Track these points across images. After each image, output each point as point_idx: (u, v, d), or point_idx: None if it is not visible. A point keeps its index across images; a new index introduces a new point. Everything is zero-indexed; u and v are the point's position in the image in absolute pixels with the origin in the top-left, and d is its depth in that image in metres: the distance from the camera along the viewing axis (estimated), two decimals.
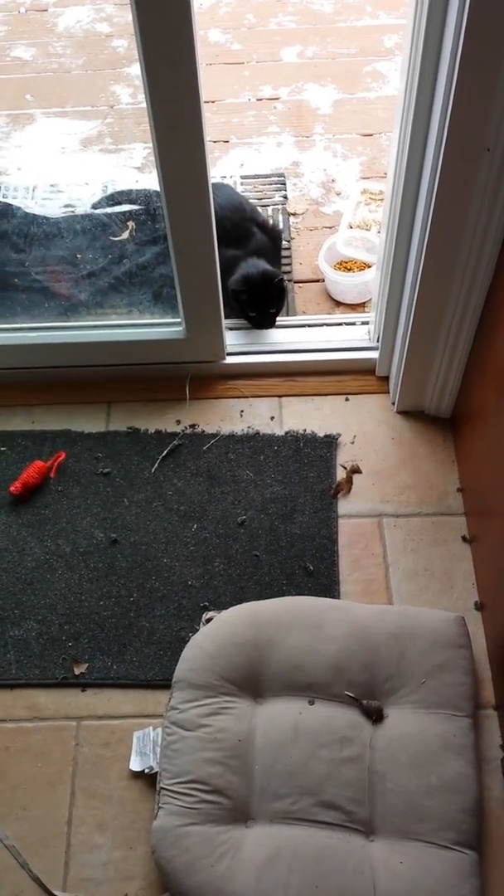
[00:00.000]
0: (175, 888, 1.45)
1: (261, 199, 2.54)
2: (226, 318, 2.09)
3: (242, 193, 2.47)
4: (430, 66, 1.50)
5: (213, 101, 2.82)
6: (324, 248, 2.30)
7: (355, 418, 2.08)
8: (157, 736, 1.64)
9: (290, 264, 2.40)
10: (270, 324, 2.18)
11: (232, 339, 2.16)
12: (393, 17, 3.09)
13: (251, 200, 2.41)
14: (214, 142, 2.70)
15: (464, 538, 1.89)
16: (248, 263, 2.14)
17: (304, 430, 2.06)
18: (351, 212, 2.39)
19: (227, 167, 2.66)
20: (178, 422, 2.09)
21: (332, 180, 2.61)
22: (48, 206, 2.51)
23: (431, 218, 1.62)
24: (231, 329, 2.17)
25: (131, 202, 2.45)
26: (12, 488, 1.96)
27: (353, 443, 2.05)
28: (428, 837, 1.47)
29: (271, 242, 2.25)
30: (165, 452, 2.03)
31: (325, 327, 2.22)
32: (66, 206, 2.50)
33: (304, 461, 2.01)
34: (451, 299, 1.76)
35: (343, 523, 1.92)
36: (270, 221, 2.34)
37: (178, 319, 2.07)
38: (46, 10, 3.22)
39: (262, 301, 2.13)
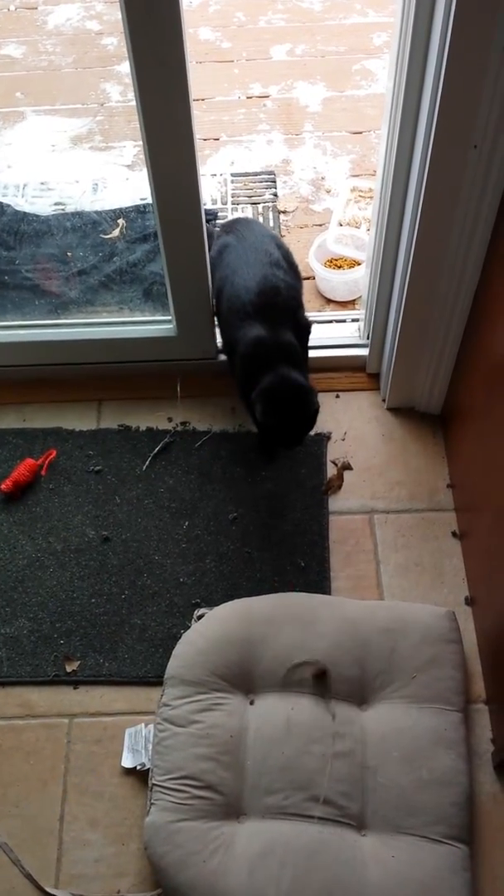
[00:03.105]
0: (167, 884, 1.46)
1: (251, 196, 2.54)
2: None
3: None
4: (417, 64, 1.50)
5: (202, 99, 2.82)
6: (314, 246, 2.31)
7: (346, 415, 2.09)
8: (149, 732, 1.64)
9: None
10: (299, 443, 1.84)
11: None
12: (382, 16, 3.10)
13: (241, 198, 2.39)
14: (205, 140, 2.70)
15: (454, 534, 1.90)
16: (275, 376, 1.76)
17: None
18: (341, 209, 2.39)
19: (217, 165, 2.66)
20: (170, 419, 2.09)
21: (322, 178, 2.61)
22: (38, 204, 2.51)
23: (420, 215, 1.62)
24: None
25: None
26: (3, 486, 1.96)
27: (343, 440, 2.05)
28: (419, 831, 1.47)
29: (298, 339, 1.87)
30: (157, 450, 2.03)
31: (315, 324, 2.21)
32: (57, 203, 2.51)
33: (295, 458, 2.01)
34: (440, 296, 1.76)
35: (334, 520, 1.93)
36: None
37: (169, 317, 2.07)
38: (36, 8, 3.21)
39: (293, 425, 1.79)
